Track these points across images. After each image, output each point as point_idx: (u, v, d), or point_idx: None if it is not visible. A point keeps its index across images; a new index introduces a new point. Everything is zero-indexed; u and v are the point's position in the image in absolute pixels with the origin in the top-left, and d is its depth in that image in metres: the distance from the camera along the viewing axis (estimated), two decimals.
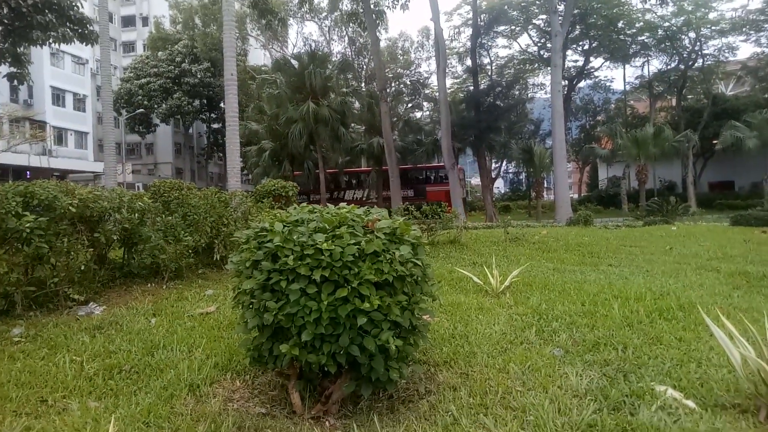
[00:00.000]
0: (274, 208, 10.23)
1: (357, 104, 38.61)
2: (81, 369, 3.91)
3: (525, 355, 4.10)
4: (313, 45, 45.85)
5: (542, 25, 38.62)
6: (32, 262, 5.71)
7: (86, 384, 3.64)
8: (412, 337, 3.32)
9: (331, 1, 39.35)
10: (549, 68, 32.13)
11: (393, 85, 47.16)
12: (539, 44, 41.72)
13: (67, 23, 24.14)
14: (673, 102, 46.86)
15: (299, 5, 37.05)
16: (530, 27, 39.95)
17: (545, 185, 49.27)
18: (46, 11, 22.94)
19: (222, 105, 45.51)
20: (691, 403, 3.13)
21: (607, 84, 50.97)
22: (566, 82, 40.29)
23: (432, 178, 37.18)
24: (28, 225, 5.43)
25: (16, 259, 5.48)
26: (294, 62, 33.72)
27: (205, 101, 50.28)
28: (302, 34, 52.38)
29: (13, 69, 25.22)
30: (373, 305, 2.96)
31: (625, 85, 48.70)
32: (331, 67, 34.22)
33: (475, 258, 10.13)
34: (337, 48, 48.75)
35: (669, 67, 43.17)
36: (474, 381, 3.61)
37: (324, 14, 46.25)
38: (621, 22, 37.83)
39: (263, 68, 47.38)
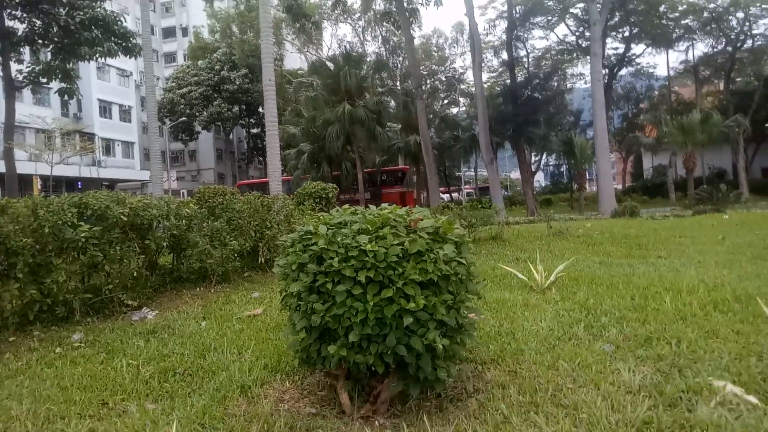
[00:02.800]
0: (315, 210, 10.37)
1: (393, 103, 38.63)
2: (137, 372, 4.06)
3: (574, 351, 4.02)
4: (347, 46, 46.07)
5: (580, 14, 37.62)
6: (88, 270, 5.96)
7: (143, 387, 3.78)
8: (459, 336, 3.30)
9: (365, 1, 39.51)
10: (588, 58, 31.33)
11: (428, 82, 46.98)
12: (577, 33, 40.67)
13: (112, 38, 25.08)
14: (721, 86, 44.90)
15: (332, 7, 37.36)
16: (567, 16, 38.96)
17: (587, 177, 48.10)
18: (93, 27, 23.86)
19: (260, 110, 46.44)
20: (753, 399, 2.99)
21: (650, 71, 49.26)
22: (607, 70, 39.16)
23: (387, 180, 36.54)
24: (83, 234, 5.68)
25: (73, 268, 5.74)
26: (329, 64, 34.01)
27: (244, 107, 51.39)
28: (336, 36, 52.89)
29: (63, 84, 26.38)
30: (418, 305, 2.96)
31: (668, 71, 47.03)
32: (365, 67, 34.34)
33: (518, 254, 9.99)
34: (372, 48, 48.88)
35: (715, 50, 41.40)
36: (523, 379, 3.57)
37: (357, 15, 46.45)
38: (663, 6, 36.49)
39: (299, 72, 48.04)
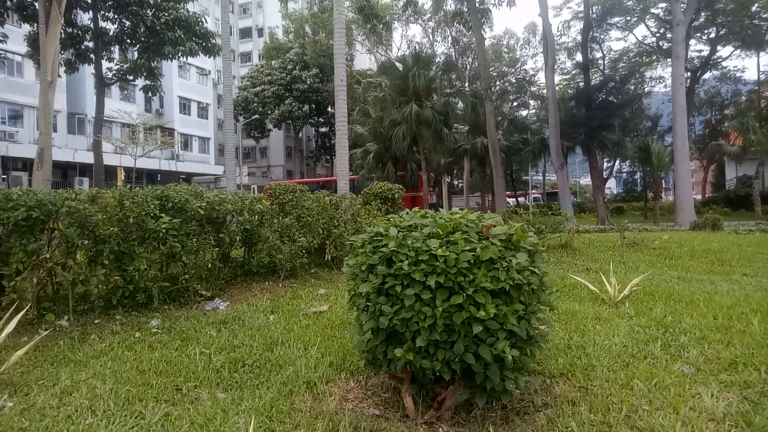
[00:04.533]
0: (381, 210, 10.43)
1: (460, 104, 38.27)
2: (209, 361, 4.22)
3: (650, 370, 3.82)
4: (416, 47, 46.01)
5: (662, 13, 35.71)
6: (167, 259, 6.27)
7: (214, 375, 3.92)
8: (529, 347, 3.21)
9: (435, 2, 39.37)
10: (669, 60, 29.72)
11: (498, 83, 46.21)
12: (658, 35, 38.61)
13: (194, 38, 26.34)
14: None
15: (403, 8, 37.43)
16: (648, 17, 37.06)
17: (663, 185, 45.72)
18: (176, 28, 25.16)
19: (330, 109, 47.33)
20: None
21: (738, 74, 46.08)
22: (689, 74, 36.96)
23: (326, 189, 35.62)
24: (164, 226, 5.98)
25: (153, 257, 6.05)
26: (398, 65, 34.12)
27: (314, 106, 52.54)
28: (406, 37, 53.01)
29: (148, 82, 27.98)
30: (488, 313, 2.91)
31: (758, 75, 43.79)
32: (434, 68, 34.19)
33: (588, 264, 9.62)
34: (441, 49, 48.60)
35: None
36: (594, 396, 3.42)
37: (428, 16, 46.36)
38: (755, 5, 34.01)
39: (368, 72, 48.52)
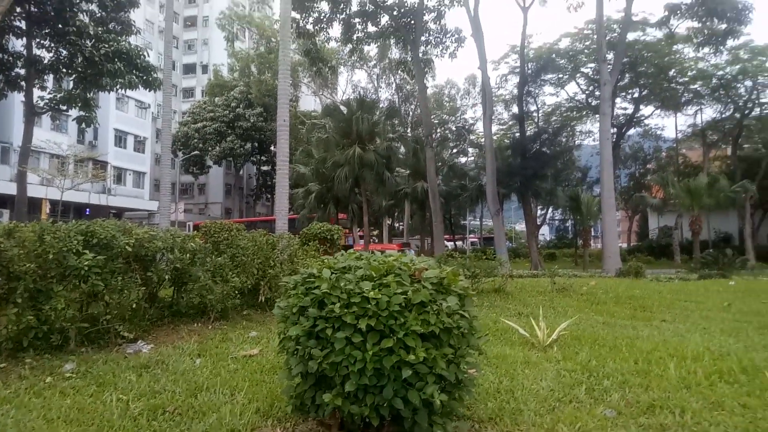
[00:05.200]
0: (320, 251, 10.35)
1: (402, 149, 39.21)
2: (126, 408, 3.96)
3: (575, 414, 3.91)
4: (361, 92, 47.18)
5: (591, 73, 38.45)
6: (88, 298, 5.92)
7: (131, 424, 3.67)
8: (458, 392, 3.23)
9: (381, 49, 40.64)
10: (597, 116, 31.80)
11: (438, 130, 47.76)
12: (587, 92, 41.46)
13: (134, 71, 25.76)
14: (729, 151, 45.27)
15: (349, 54, 38.34)
16: (578, 75, 39.83)
17: (592, 233, 48.01)
18: (116, 60, 24.56)
19: (272, 148, 47.14)
20: None
21: (658, 132, 49.81)
22: (615, 129, 39.62)
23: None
24: (87, 263, 5.66)
25: (72, 296, 5.70)
26: (343, 108, 34.70)
27: (256, 144, 52.22)
28: (351, 82, 53.99)
29: (82, 113, 26.94)
30: (418, 357, 2.92)
31: (676, 134, 47.56)
32: (378, 113, 35.01)
33: (520, 308, 9.86)
34: (385, 94, 50.03)
35: (724, 115, 41.86)
36: None
37: (373, 62, 47.75)
38: (672, 70, 37.25)
39: (313, 113, 49.02)
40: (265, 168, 55.44)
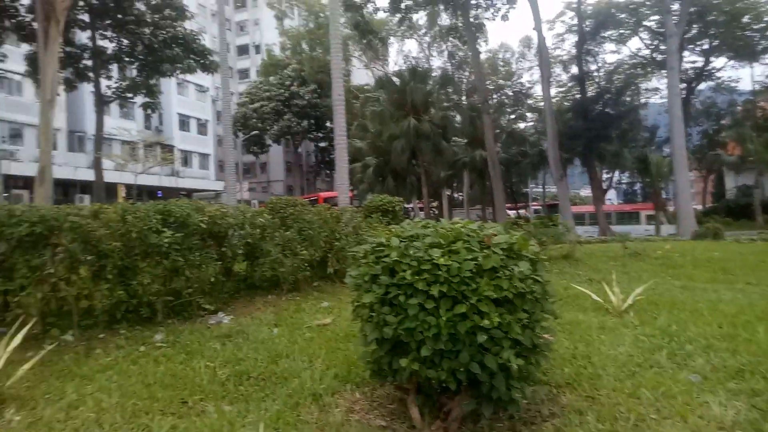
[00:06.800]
0: (382, 223, 10.45)
1: (458, 118, 38.49)
2: (214, 374, 4.22)
3: (657, 379, 3.82)
4: (413, 62, 46.45)
5: (655, 26, 36.00)
6: (170, 274, 6.27)
7: (219, 388, 3.92)
8: (534, 357, 3.21)
9: (430, 17, 39.71)
10: (664, 71, 29.96)
11: (495, 96, 46.48)
12: (652, 47, 38.87)
13: (191, 55, 26.57)
14: None
15: (399, 23, 37.75)
16: (641, 29, 37.38)
17: (664, 196, 45.76)
18: (174, 45, 25.39)
19: (328, 124, 47.54)
20: None
21: (732, 85, 46.28)
22: (684, 85, 37.19)
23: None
24: (166, 240, 6.00)
25: (156, 271, 6.06)
26: (395, 79, 34.42)
27: (312, 121, 52.82)
28: (402, 52, 53.40)
29: (147, 99, 28.15)
30: (493, 322, 2.91)
31: (753, 86, 44.08)
32: (431, 82, 34.48)
33: (591, 274, 9.62)
34: (437, 63, 48.96)
35: None
36: (601, 405, 3.42)
37: (423, 31, 46.76)
38: (746, 16, 34.28)
39: (366, 87, 48.84)
40: (322, 144, 56.13)
